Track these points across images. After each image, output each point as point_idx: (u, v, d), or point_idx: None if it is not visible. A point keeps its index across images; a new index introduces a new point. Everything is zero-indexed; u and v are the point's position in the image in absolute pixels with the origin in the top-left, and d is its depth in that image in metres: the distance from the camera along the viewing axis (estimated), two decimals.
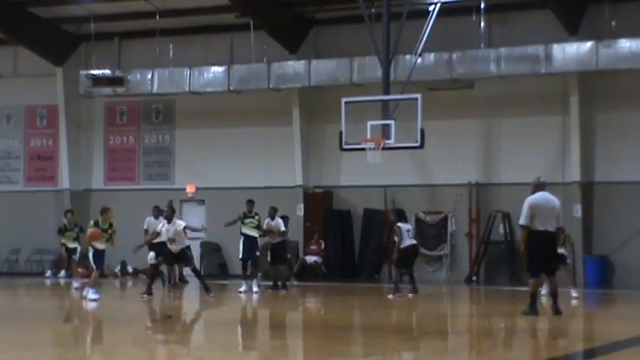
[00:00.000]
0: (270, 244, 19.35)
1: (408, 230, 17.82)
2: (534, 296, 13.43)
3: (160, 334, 12.43)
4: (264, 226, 19.07)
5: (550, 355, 10.35)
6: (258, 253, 19.10)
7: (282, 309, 16.69)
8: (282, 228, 19.13)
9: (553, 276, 13.68)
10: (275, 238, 19.14)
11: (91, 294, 16.85)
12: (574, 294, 16.82)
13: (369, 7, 21.09)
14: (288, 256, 21.26)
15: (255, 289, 18.61)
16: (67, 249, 21.07)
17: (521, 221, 13.43)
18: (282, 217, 19.47)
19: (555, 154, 23.06)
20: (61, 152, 27.35)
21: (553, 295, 13.65)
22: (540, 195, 13.49)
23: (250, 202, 19.18)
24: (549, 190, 13.87)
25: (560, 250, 15.83)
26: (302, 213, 24.91)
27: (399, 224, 17.78)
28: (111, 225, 17.52)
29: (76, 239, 20.89)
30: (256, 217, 18.93)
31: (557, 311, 13.45)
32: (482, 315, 15.85)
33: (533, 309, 13.32)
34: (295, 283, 22.15)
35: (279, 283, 19.26)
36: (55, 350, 10.69)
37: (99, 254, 17.32)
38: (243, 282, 18.86)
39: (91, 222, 17.61)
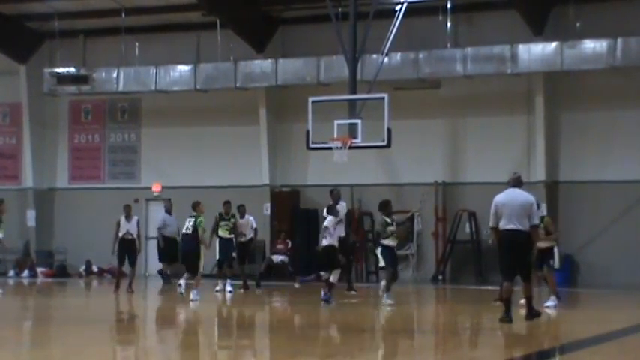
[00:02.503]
0: (239, 243, 19.30)
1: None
2: (508, 302, 12.51)
3: (126, 334, 12.33)
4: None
5: (513, 354, 10.40)
6: (234, 254, 19.05)
7: (249, 308, 16.65)
8: (254, 225, 19.23)
9: (527, 282, 12.65)
10: (243, 236, 19.12)
11: (195, 294, 16.64)
12: (550, 302, 15.47)
13: (336, 6, 21.07)
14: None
15: (228, 288, 18.61)
16: None
17: (490, 223, 12.71)
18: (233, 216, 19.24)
19: (520, 153, 23.21)
20: (25, 151, 27.07)
21: (527, 300, 12.72)
22: (506, 192, 12.69)
23: (227, 204, 19.09)
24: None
25: (546, 244, 14.86)
26: (269, 212, 24.86)
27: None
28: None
29: None
30: (232, 220, 18.91)
31: (533, 314, 12.66)
32: (448, 314, 15.91)
33: (507, 316, 12.45)
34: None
35: (255, 282, 19.31)
36: (18, 351, 10.57)
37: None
38: (219, 281, 18.88)
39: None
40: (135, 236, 19.48)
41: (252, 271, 19.66)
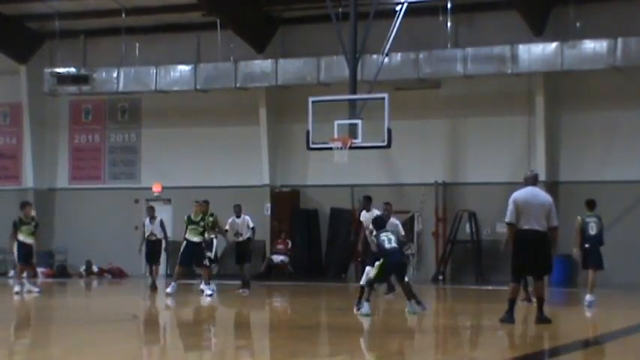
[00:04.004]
0: (236, 243, 19.19)
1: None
2: (512, 302, 12.30)
3: (125, 334, 12.33)
4: (227, 225, 18.96)
5: (513, 355, 10.40)
6: (211, 254, 18.80)
7: (249, 309, 16.65)
8: (251, 224, 19.04)
9: (540, 281, 12.38)
10: (240, 236, 18.99)
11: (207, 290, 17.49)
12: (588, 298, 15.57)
13: (337, 6, 21.08)
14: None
15: (210, 289, 18.32)
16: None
17: (506, 218, 12.22)
18: (211, 215, 18.89)
19: (521, 153, 23.22)
20: (25, 151, 27.09)
21: (538, 302, 12.33)
22: (526, 190, 12.29)
23: (205, 203, 18.84)
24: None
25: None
26: (269, 212, 24.87)
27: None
28: (203, 218, 17.93)
29: None
30: (210, 219, 18.70)
31: (544, 320, 12.27)
32: (449, 314, 15.92)
33: (509, 317, 12.28)
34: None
35: (244, 282, 19.14)
36: (19, 351, 10.58)
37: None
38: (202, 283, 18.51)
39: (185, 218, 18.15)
40: (159, 236, 19.42)
41: (250, 272, 19.46)
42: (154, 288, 19.28)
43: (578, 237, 15.70)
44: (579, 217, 15.91)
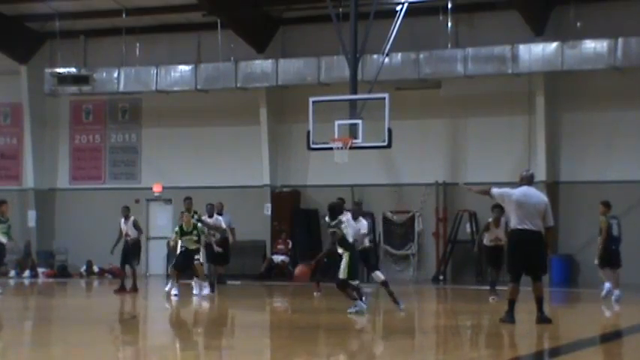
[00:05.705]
0: (206, 244, 18.61)
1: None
2: (512, 303, 12.27)
3: (126, 335, 12.34)
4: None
5: (513, 355, 10.41)
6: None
7: (249, 309, 16.65)
8: (224, 226, 18.77)
9: (538, 281, 12.32)
10: (211, 237, 18.66)
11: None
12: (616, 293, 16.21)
13: (337, 6, 21.10)
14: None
15: (206, 290, 18.03)
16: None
17: (493, 188, 12.38)
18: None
19: (521, 153, 23.23)
20: (26, 151, 27.10)
21: (538, 302, 12.30)
22: (521, 190, 12.28)
23: (188, 200, 18.65)
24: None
25: None
26: (269, 212, 24.88)
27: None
28: (195, 227, 17.61)
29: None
30: (195, 217, 18.55)
31: (544, 320, 12.29)
32: (449, 314, 15.92)
33: (509, 317, 12.27)
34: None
35: (211, 282, 18.74)
36: (21, 350, 10.59)
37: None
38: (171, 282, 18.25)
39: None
40: (133, 236, 19.18)
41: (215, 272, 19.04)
42: (134, 289, 18.85)
43: (606, 237, 16.22)
44: (605, 218, 16.23)
